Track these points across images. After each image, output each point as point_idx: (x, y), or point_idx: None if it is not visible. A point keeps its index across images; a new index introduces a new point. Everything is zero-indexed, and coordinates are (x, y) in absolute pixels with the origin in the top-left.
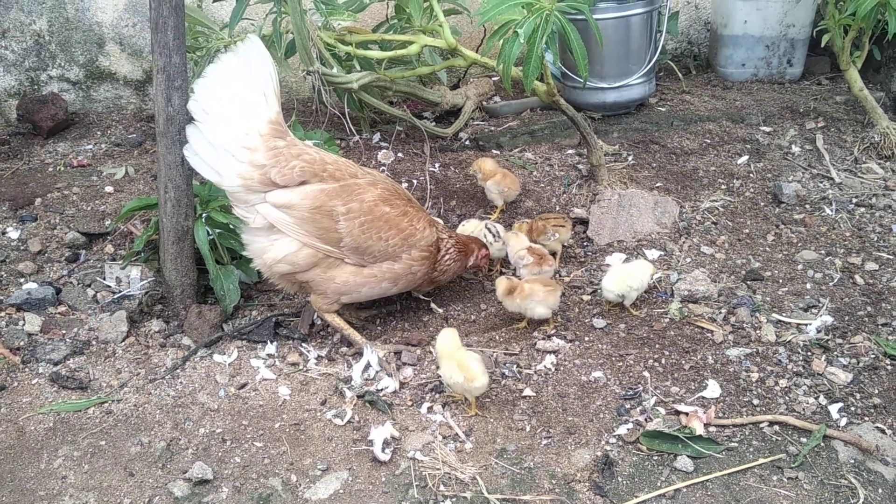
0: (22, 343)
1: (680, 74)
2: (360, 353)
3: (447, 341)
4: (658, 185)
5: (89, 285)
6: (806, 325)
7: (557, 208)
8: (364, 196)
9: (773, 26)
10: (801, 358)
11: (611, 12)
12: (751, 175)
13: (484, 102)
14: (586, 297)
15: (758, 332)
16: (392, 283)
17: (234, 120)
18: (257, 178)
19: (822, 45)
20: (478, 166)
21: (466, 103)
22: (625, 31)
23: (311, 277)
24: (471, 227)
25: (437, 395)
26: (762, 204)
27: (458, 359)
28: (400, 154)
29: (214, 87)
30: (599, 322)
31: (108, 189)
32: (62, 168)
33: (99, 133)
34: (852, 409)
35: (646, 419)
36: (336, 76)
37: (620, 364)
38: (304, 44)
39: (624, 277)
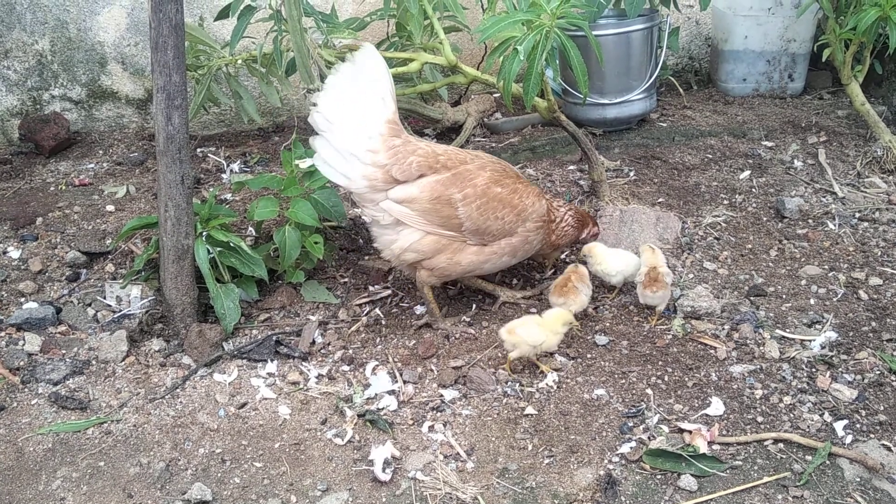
0: (22, 363)
1: (681, 90)
2: (362, 366)
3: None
4: (660, 200)
5: (90, 304)
6: (810, 341)
7: None
8: (476, 181)
9: (774, 41)
10: (805, 374)
11: (611, 28)
12: (753, 190)
13: (485, 119)
14: (589, 314)
15: (761, 348)
16: (511, 256)
17: (357, 125)
18: (381, 178)
19: (824, 59)
20: None
21: (468, 120)
22: (625, 47)
23: (437, 264)
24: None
25: (439, 414)
26: (765, 219)
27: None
28: None
29: (337, 96)
30: (602, 339)
31: (110, 208)
32: (63, 187)
33: (101, 152)
34: (858, 426)
35: (649, 437)
36: None
37: (623, 381)
38: (304, 62)
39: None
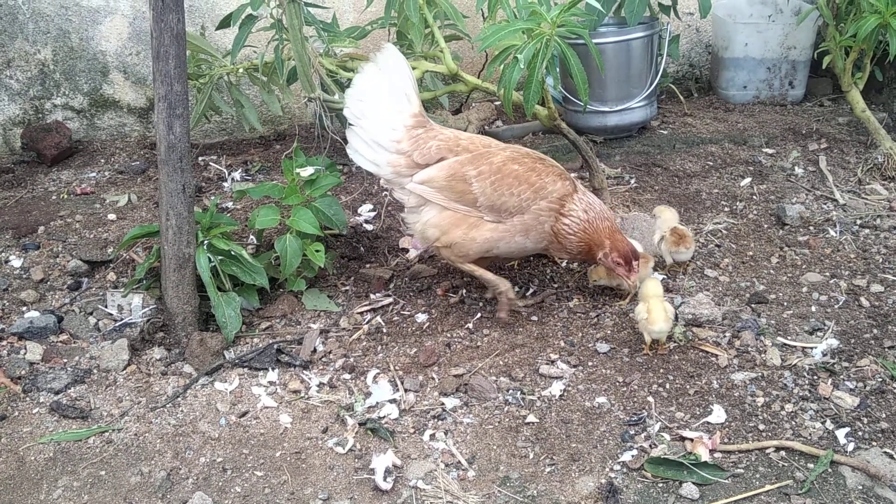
0: (23, 372)
1: (682, 97)
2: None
3: (652, 286)
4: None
5: (91, 313)
6: (811, 348)
7: None
8: (493, 159)
9: (774, 48)
10: (807, 382)
11: (611, 36)
12: (754, 197)
13: (486, 127)
14: (590, 322)
15: (763, 355)
16: (524, 235)
17: (382, 119)
18: (404, 163)
19: (824, 66)
20: None
21: (468, 128)
22: (626, 54)
23: (455, 239)
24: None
25: (440, 422)
26: (766, 226)
27: (651, 303)
28: None
29: (362, 94)
30: (603, 346)
31: (111, 216)
32: (65, 196)
33: (103, 161)
34: (860, 433)
35: (650, 445)
36: (338, 102)
37: (624, 389)
38: (304, 70)
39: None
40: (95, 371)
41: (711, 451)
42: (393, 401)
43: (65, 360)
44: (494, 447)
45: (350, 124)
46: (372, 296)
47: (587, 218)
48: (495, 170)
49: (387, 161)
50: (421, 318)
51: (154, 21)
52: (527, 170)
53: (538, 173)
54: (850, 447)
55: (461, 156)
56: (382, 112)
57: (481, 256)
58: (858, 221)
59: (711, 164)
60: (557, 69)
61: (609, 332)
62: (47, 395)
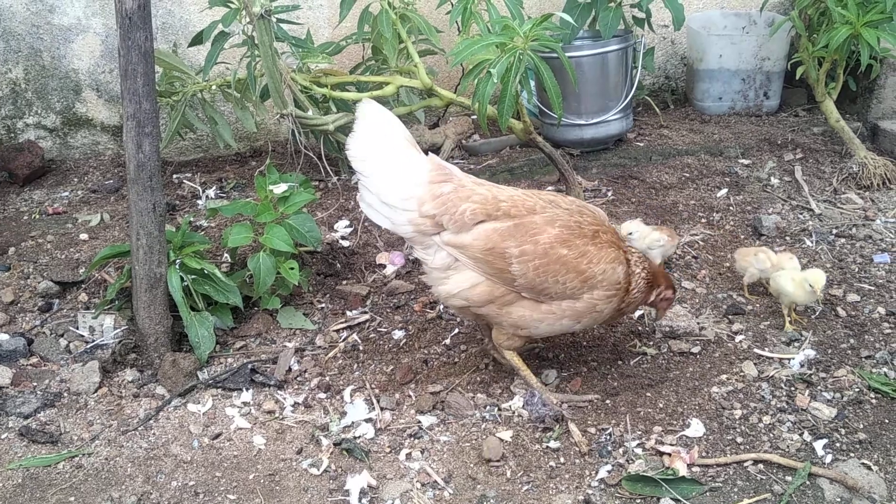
0: None
1: (657, 109)
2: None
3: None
4: (638, 220)
5: (62, 335)
6: (789, 359)
7: None
8: (539, 237)
9: (749, 60)
10: (784, 393)
11: (586, 49)
12: (730, 208)
13: (463, 141)
14: (569, 336)
15: (740, 367)
16: (574, 320)
17: (391, 176)
18: (429, 224)
19: (798, 77)
20: None
21: (445, 142)
22: (601, 67)
23: (486, 312)
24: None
25: (416, 441)
26: (742, 237)
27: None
28: None
29: (359, 153)
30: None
31: (83, 236)
32: (37, 216)
33: (76, 180)
34: (837, 444)
35: (628, 461)
36: (311, 118)
37: (602, 404)
38: (276, 87)
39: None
40: (66, 394)
41: (689, 466)
42: (369, 420)
43: (34, 384)
44: (471, 465)
45: (359, 176)
46: (348, 313)
47: (647, 274)
48: (541, 252)
49: (407, 220)
50: (398, 334)
51: (121, 39)
52: (576, 255)
53: (589, 260)
54: (828, 459)
55: (501, 222)
56: (389, 169)
57: (516, 335)
58: (834, 231)
59: (688, 175)
60: (532, 83)
61: (586, 344)
62: (16, 420)
